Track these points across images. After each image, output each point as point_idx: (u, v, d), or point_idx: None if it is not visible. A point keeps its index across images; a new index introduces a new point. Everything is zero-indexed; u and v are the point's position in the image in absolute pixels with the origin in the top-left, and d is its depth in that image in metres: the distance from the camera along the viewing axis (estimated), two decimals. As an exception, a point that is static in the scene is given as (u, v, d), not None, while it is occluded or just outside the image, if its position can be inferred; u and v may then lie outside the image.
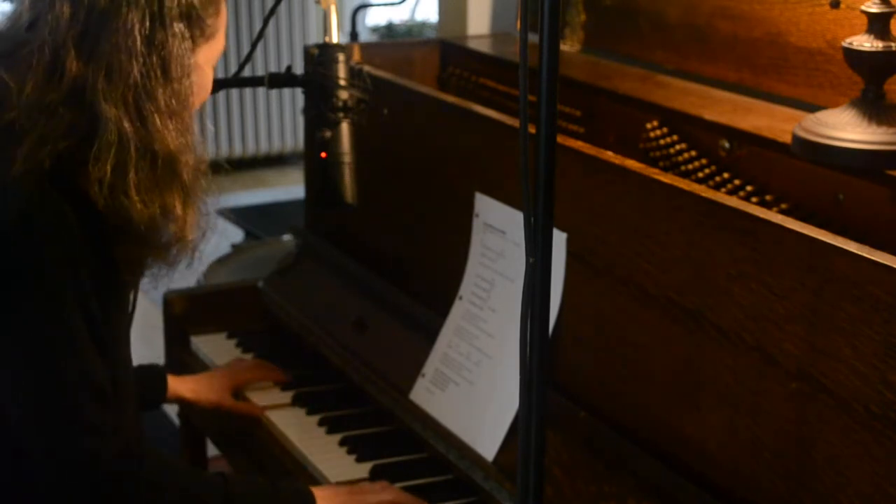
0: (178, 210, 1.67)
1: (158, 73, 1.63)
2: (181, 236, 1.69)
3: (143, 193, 1.63)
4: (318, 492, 1.92)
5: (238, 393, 2.37)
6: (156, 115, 1.63)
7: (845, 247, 1.49)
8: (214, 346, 2.60)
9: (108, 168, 1.61)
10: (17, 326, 1.65)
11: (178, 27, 1.65)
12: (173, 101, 1.65)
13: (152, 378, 2.23)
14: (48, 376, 1.65)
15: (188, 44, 1.67)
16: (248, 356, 2.54)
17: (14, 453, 1.71)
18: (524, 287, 1.35)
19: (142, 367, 2.21)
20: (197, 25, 1.68)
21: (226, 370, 2.37)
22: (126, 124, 1.61)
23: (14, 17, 1.68)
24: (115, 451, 1.69)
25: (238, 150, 6.74)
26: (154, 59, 1.63)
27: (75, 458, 1.67)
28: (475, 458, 1.98)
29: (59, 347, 1.65)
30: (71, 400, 1.66)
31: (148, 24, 1.62)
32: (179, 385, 2.26)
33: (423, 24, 6.96)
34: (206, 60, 1.74)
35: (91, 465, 1.67)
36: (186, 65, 1.66)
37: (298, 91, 2.42)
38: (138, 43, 1.62)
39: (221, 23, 1.74)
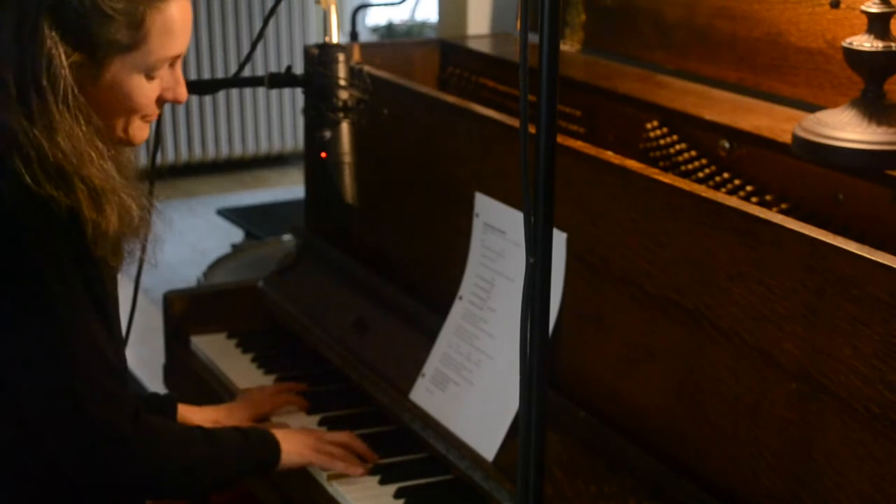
0: (88, 211, 1.68)
1: (30, 84, 1.65)
2: (100, 232, 1.71)
3: (49, 186, 1.66)
4: (279, 434, 2.04)
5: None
6: (33, 126, 1.65)
7: (845, 247, 1.49)
8: (214, 346, 2.60)
9: (20, 164, 1.65)
10: (24, 302, 1.70)
11: (53, 40, 1.65)
12: (50, 114, 1.66)
13: (157, 406, 2.19)
14: (58, 348, 1.71)
15: (74, 56, 1.67)
16: (248, 356, 2.54)
17: (26, 433, 1.77)
18: (524, 287, 1.35)
19: (148, 396, 2.22)
20: (97, 37, 1.67)
21: (247, 400, 2.31)
22: (14, 127, 1.65)
23: None
24: (125, 415, 1.77)
25: (238, 150, 6.74)
26: (27, 69, 1.65)
27: (87, 424, 1.74)
28: (475, 458, 1.98)
29: (66, 319, 1.71)
30: (82, 367, 1.72)
31: (21, 33, 1.65)
32: (196, 415, 2.22)
33: (423, 24, 6.96)
34: (129, 69, 1.72)
35: (103, 429, 1.74)
36: (62, 78, 1.65)
37: (298, 91, 2.42)
38: (10, 50, 1.65)
39: (148, 35, 1.70)
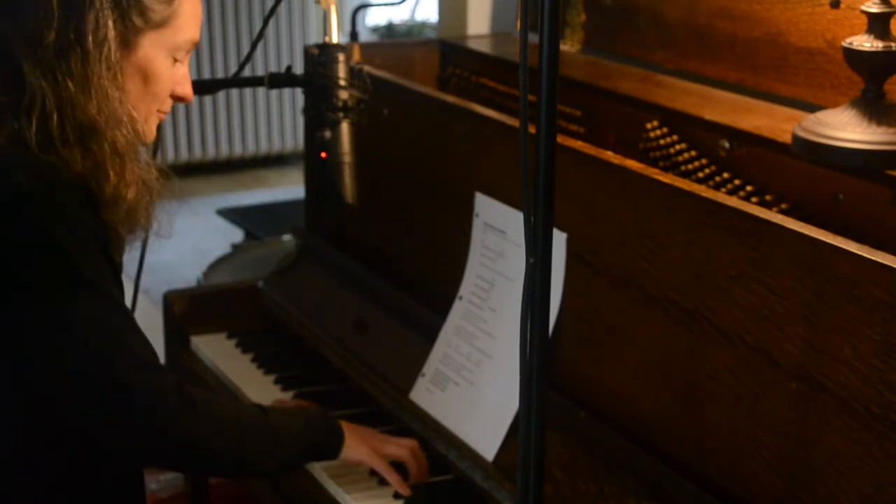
0: (112, 175, 1.69)
1: (74, 42, 1.66)
2: (118, 194, 1.71)
3: (70, 151, 1.66)
4: (344, 425, 2.01)
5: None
6: (69, 82, 1.66)
7: (845, 247, 1.49)
8: (214, 346, 2.60)
9: (34, 125, 1.65)
10: (46, 287, 1.67)
11: (103, 3, 1.67)
12: (89, 72, 1.67)
13: None
14: (97, 332, 1.70)
15: (117, 23, 1.69)
16: (248, 356, 2.54)
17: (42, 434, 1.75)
18: (524, 287, 1.35)
19: None
20: (135, 9, 1.70)
21: None
22: (44, 85, 1.65)
23: None
24: (173, 382, 1.78)
25: (238, 150, 6.74)
26: (70, 27, 1.66)
27: (148, 396, 1.74)
28: (475, 458, 1.98)
29: (98, 299, 1.70)
30: (125, 343, 1.74)
31: None
32: None
33: (423, 24, 6.96)
34: (159, 48, 1.74)
35: (161, 397, 1.75)
36: (107, 40, 1.68)
37: (298, 91, 2.42)
38: (55, 9, 1.65)
39: (177, 13, 1.74)
